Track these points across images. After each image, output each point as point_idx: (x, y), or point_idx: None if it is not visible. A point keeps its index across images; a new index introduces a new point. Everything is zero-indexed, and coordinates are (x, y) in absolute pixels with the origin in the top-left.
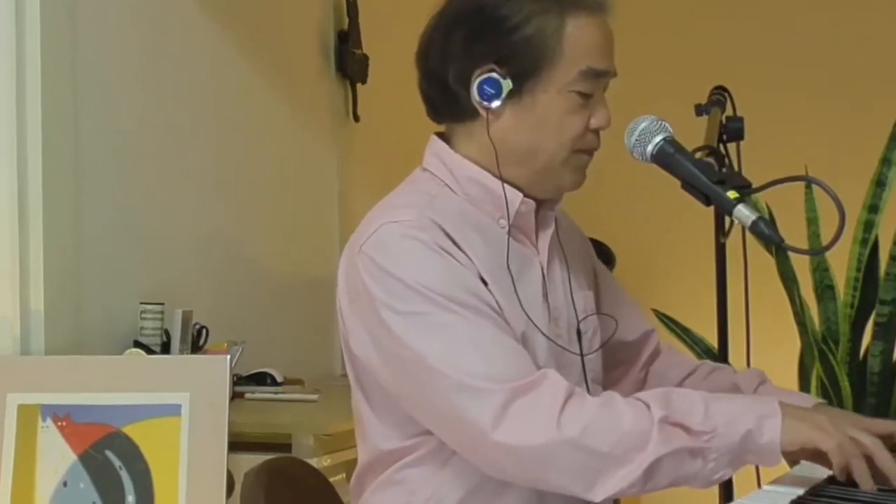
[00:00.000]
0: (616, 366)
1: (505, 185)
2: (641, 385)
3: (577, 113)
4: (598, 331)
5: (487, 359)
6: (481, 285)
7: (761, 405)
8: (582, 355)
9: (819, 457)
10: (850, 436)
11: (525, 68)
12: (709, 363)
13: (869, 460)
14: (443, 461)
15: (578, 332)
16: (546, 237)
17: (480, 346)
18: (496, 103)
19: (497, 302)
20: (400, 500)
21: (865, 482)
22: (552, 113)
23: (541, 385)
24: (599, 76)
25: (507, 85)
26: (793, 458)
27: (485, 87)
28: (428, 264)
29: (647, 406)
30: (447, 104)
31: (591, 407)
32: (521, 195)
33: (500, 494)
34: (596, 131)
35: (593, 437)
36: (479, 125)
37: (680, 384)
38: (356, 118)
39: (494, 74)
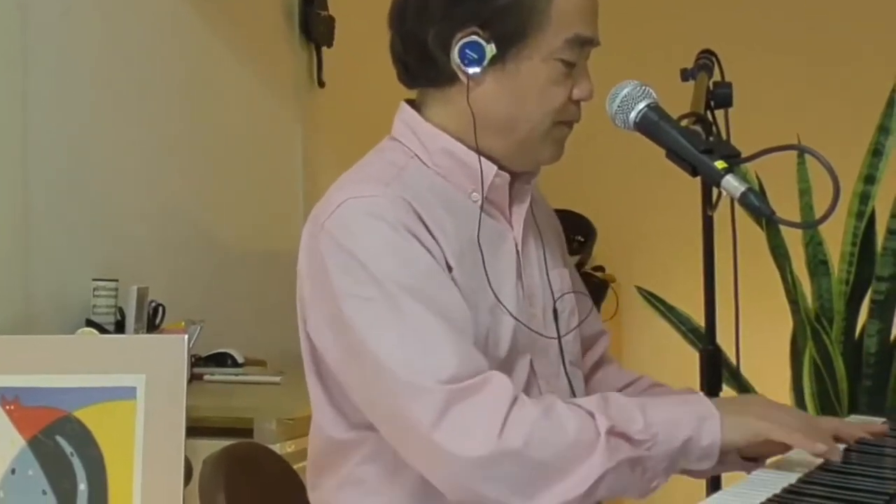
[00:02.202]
0: None
1: (480, 156)
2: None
3: (561, 83)
4: (575, 311)
5: (434, 356)
6: (444, 275)
7: (697, 406)
8: (559, 337)
9: (764, 447)
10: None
11: (510, 33)
12: (647, 378)
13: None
14: (396, 458)
15: (555, 312)
16: (521, 212)
17: (429, 343)
18: (477, 69)
19: (462, 287)
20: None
21: (834, 453)
22: (536, 82)
23: (483, 390)
24: (585, 44)
25: (490, 50)
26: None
27: (466, 51)
28: (390, 249)
29: (591, 415)
30: (423, 68)
31: (534, 415)
32: (495, 167)
33: None
34: (578, 103)
35: (536, 447)
36: (457, 91)
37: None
38: (321, 84)
39: (477, 38)
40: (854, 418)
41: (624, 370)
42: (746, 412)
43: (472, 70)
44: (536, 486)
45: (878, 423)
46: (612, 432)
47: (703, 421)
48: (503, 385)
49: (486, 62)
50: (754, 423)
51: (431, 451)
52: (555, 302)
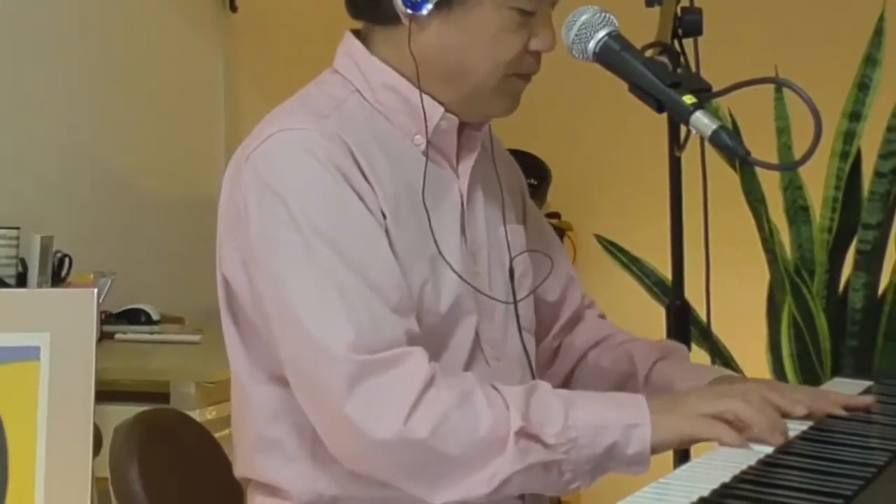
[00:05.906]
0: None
1: (424, 95)
2: (553, 359)
3: (516, 32)
4: (529, 271)
5: (350, 320)
6: (373, 227)
7: (630, 411)
8: (515, 301)
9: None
10: (721, 408)
11: None
12: (620, 335)
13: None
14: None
15: (511, 273)
16: (469, 161)
17: (348, 303)
18: (420, 12)
19: (395, 238)
20: (281, 473)
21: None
22: (485, 30)
23: (395, 367)
24: None
25: None
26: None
27: None
28: (318, 192)
29: (507, 408)
30: (367, 3)
31: (447, 404)
32: (441, 109)
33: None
34: (537, 53)
35: (442, 439)
36: (401, 33)
37: (584, 354)
38: (234, 9)
39: None
40: (838, 381)
41: (600, 323)
42: (677, 411)
43: (415, 13)
44: (438, 478)
45: (863, 385)
46: (522, 433)
47: (631, 428)
48: (418, 365)
49: (430, 5)
50: (681, 425)
51: (337, 422)
52: (511, 262)
